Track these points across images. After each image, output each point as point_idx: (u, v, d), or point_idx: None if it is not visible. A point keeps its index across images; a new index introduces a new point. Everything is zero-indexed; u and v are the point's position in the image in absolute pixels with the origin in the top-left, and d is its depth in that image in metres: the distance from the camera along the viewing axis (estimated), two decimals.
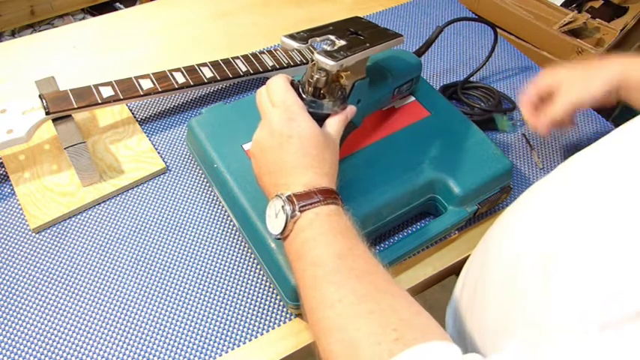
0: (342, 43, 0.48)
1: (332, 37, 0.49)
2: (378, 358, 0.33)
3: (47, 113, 0.60)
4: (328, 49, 0.48)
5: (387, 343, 0.33)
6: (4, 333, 0.53)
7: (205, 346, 0.53)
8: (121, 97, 0.64)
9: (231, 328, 0.54)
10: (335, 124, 0.48)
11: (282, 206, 0.42)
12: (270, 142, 0.45)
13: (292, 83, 0.48)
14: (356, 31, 0.50)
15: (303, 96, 0.48)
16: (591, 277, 0.32)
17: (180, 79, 0.68)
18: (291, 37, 0.48)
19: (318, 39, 0.48)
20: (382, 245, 0.61)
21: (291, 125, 0.44)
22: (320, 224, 0.41)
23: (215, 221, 0.62)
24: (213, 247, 0.60)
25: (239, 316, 0.55)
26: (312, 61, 0.48)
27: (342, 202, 0.44)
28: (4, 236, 0.60)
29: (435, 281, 0.62)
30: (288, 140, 0.44)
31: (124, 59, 0.81)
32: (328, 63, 0.45)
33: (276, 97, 0.46)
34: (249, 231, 0.56)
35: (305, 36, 0.48)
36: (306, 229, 0.41)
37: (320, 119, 0.47)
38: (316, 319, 0.38)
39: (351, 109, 0.50)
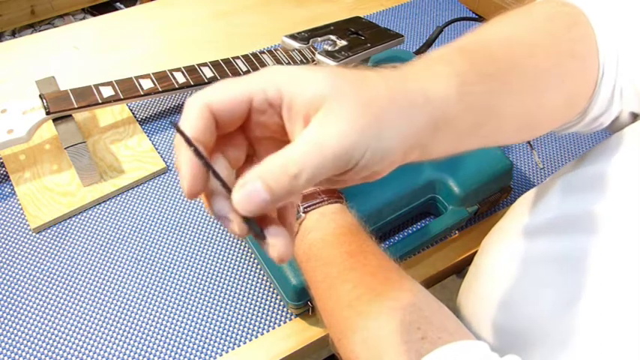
0: (343, 43, 0.48)
1: (333, 37, 0.49)
2: (405, 358, 0.32)
3: (48, 113, 0.60)
4: (329, 49, 0.48)
5: (413, 342, 0.33)
6: (4, 333, 0.53)
7: (205, 346, 0.53)
8: (122, 97, 0.64)
9: (231, 328, 0.54)
10: None
11: None
12: None
13: None
14: (357, 31, 0.51)
15: None
16: None
17: (180, 78, 0.68)
18: (292, 37, 0.48)
19: (319, 39, 0.49)
20: (382, 245, 0.61)
21: None
22: (326, 224, 0.41)
23: (215, 221, 0.62)
24: (213, 247, 0.60)
25: (239, 316, 0.55)
26: (314, 61, 0.48)
27: (345, 200, 0.44)
28: (5, 236, 0.60)
29: (435, 281, 0.62)
30: None
31: (124, 59, 0.81)
32: (329, 63, 0.45)
33: None
34: None
35: (306, 36, 0.48)
36: (312, 230, 0.41)
37: None
38: (335, 321, 0.37)
39: None
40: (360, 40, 0.49)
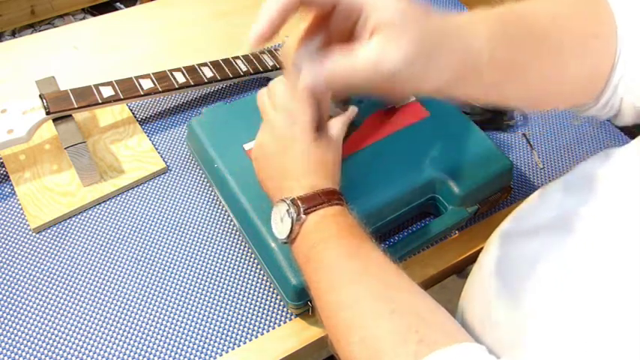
0: None
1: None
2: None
3: (48, 113, 0.60)
4: None
5: (410, 344, 0.33)
6: (4, 333, 0.53)
7: (205, 346, 0.53)
8: (122, 97, 0.64)
9: (231, 328, 0.54)
10: (337, 126, 0.48)
11: (287, 210, 0.42)
12: (274, 147, 0.45)
13: None
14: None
15: None
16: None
17: (180, 78, 0.68)
18: None
19: None
20: (382, 245, 0.61)
21: (294, 129, 0.44)
22: (327, 226, 0.41)
23: (215, 221, 0.62)
24: (213, 247, 0.60)
25: (239, 316, 0.55)
26: None
27: (346, 202, 0.44)
28: (5, 236, 0.60)
29: (435, 281, 0.62)
30: (292, 144, 0.44)
31: (124, 59, 0.81)
32: None
33: (278, 100, 0.46)
34: (249, 231, 0.56)
35: None
36: (313, 231, 0.42)
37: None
38: (334, 322, 0.38)
39: (352, 111, 0.50)
40: None
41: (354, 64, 0.32)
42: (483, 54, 0.34)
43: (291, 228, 0.42)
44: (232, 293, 0.57)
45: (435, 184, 0.59)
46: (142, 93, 0.66)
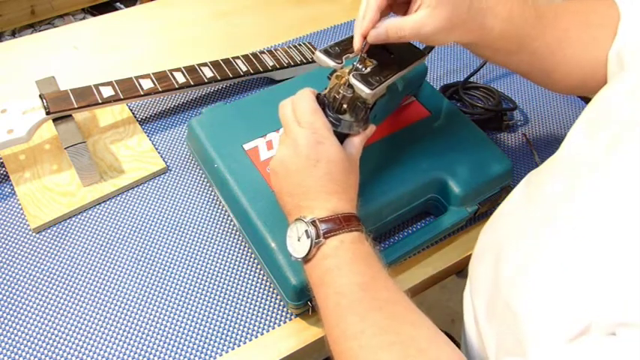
0: (373, 62, 0.48)
1: (363, 54, 0.48)
2: None
3: (48, 113, 0.60)
4: (361, 68, 0.47)
5: None
6: (4, 333, 0.53)
7: (205, 346, 0.53)
8: (122, 97, 0.64)
9: (231, 328, 0.54)
10: (356, 145, 0.48)
11: (306, 230, 0.42)
12: (296, 164, 0.45)
13: (318, 97, 0.48)
14: (383, 46, 0.50)
15: (328, 112, 0.48)
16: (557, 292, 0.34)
17: (180, 79, 0.68)
18: (326, 53, 0.48)
19: (350, 55, 0.48)
20: (382, 245, 0.61)
21: (319, 149, 0.44)
22: (344, 252, 0.42)
23: (215, 221, 0.62)
24: (213, 247, 0.60)
25: (239, 316, 0.55)
26: (335, 71, 0.48)
27: (363, 227, 0.44)
28: (5, 236, 0.60)
29: (435, 281, 0.62)
30: (316, 164, 0.44)
31: (124, 59, 0.81)
32: (365, 91, 0.46)
33: (304, 117, 0.46)
34: (249, 231, 0.56)
35: (339, 52, 0.48)
36: (330, 256, 0.42)
37: (341, 137, 0.47)
38: (339, 350, 0.40)
39: (371, 129, 0.50)
40: (389, 60, 0.49)
41: (404, 24, 0.45)
42: (495, 30, 0.47)
43: (310, 249, 0.42)
44: (232, 293, 0.57)
45: (435, 183, 0.59)
46: (142, 93, 0.66)
